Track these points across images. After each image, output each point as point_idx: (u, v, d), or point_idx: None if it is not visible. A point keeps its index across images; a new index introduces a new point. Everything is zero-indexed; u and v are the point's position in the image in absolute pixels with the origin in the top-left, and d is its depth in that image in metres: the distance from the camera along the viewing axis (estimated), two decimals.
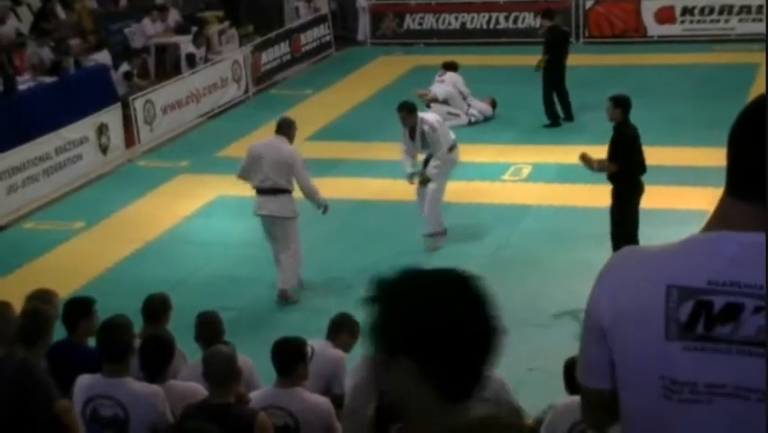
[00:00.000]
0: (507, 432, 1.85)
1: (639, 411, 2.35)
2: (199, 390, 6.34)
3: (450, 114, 17.27)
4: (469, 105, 17.71)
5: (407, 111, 12.60)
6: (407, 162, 12.74)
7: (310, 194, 11.59)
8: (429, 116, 12.88)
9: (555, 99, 17.18)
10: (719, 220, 2.31)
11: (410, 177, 12.76)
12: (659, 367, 2.28)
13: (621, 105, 11.10)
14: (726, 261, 2.24)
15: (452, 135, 12.85)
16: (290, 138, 11.55)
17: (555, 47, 16.98)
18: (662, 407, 2.30)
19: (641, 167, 11.04)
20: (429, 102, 17.46)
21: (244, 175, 11.63)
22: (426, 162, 12.73)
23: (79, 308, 7.23)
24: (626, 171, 10.93)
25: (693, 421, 2.28)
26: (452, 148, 12.69)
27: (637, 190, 11.03)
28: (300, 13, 24.26)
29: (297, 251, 11.62)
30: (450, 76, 17.77)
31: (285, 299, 11.65)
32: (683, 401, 2.27)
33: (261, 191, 11.47)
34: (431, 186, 12.58)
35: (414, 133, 12.57)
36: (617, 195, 11.10)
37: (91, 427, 6.17)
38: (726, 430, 2.26)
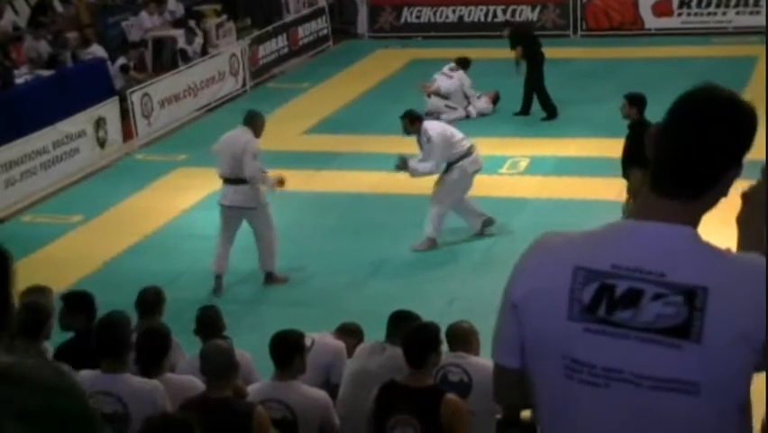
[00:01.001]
0: (19, 386, 1.71)
1: (545, 389, 2.40)
2: (196, 383, 6.34)
3: (448, 107, 17.30)
4: (469, 104, 17.70)
5: (409, 120, 12.43)
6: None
7: (252, 181, 11.28)
8: (432, 129, 12.31)
9: (536, 94, 17.23)
10: (638, 211, 2.40)
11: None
12: (561, 346, 2.34)
13: (637, 103, 11.10)
14: (632, 247, 2.32)
15: (460, 152, 12.25)
16: (256, 130, 11.43)
17: (522, 42, 17.18)
18: (564, 386, 2.35)
19: None
20: (430, 93, 17.46)
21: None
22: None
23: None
24: (645, 168, 10.87)
25: (592, 405, 2.32)
26: (452, 164, 12.20)
27: None
28: (290, 8, 24.23)
29: (273, 237, 11.53)
30: (459, 74, 17.73)
31: (272, 281, 11.66)
32: (583, 382, 2.32)
33: (226, 181, 11.54)
34: (434, 193, 12.35)
35: (419, 140, 12.44)
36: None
37: None
38: (624, 416, 2.29)
